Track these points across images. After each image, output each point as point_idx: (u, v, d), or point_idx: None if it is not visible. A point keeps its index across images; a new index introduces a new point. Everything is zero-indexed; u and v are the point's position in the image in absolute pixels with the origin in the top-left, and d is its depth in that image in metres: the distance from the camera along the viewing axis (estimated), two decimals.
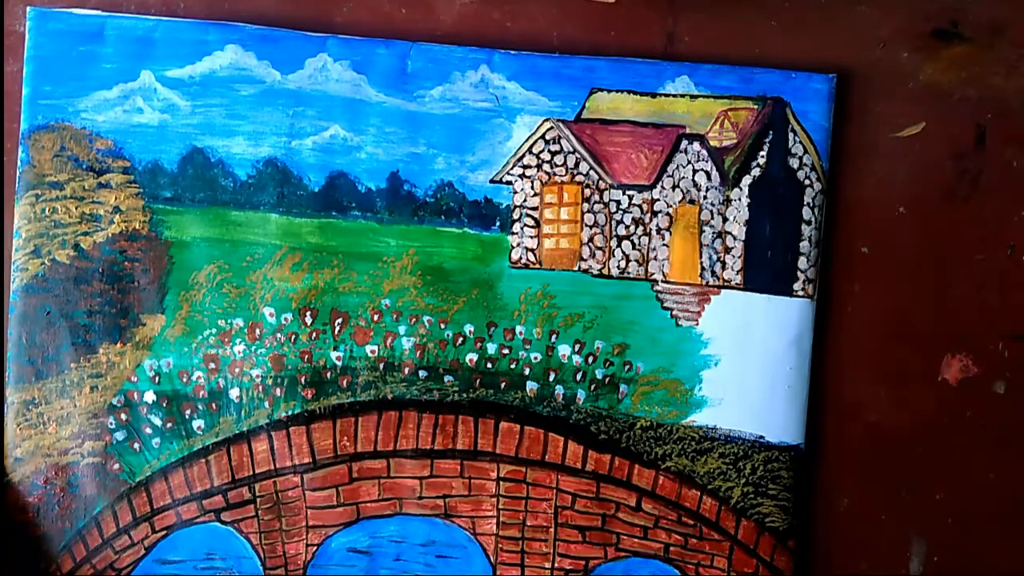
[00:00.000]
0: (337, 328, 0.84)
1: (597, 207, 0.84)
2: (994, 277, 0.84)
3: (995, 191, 0.84)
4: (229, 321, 0.83)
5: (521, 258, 0.84)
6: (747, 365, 0.84)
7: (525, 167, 0.84)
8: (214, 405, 0.83)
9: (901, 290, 0.84)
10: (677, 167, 0.84)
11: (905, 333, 0.85)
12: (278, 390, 0.84)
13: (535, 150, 0.84)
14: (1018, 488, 0.85)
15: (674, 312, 0.84)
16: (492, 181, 0.84)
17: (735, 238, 0.84)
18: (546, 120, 0.84)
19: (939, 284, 0.84)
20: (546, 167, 0.84)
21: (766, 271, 0.84)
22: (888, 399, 0.85)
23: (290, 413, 0.84)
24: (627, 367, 0.83)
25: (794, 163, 0.83)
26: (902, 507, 0.85)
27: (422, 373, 0.84)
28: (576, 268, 0.84)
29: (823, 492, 0.85)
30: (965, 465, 0.85)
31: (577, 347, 0.83)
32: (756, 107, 0.84)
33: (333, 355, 0.84)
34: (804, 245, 0.83)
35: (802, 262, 0.83)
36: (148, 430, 0.83)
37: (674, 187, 0.84)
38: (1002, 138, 0.84)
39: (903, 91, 0.84)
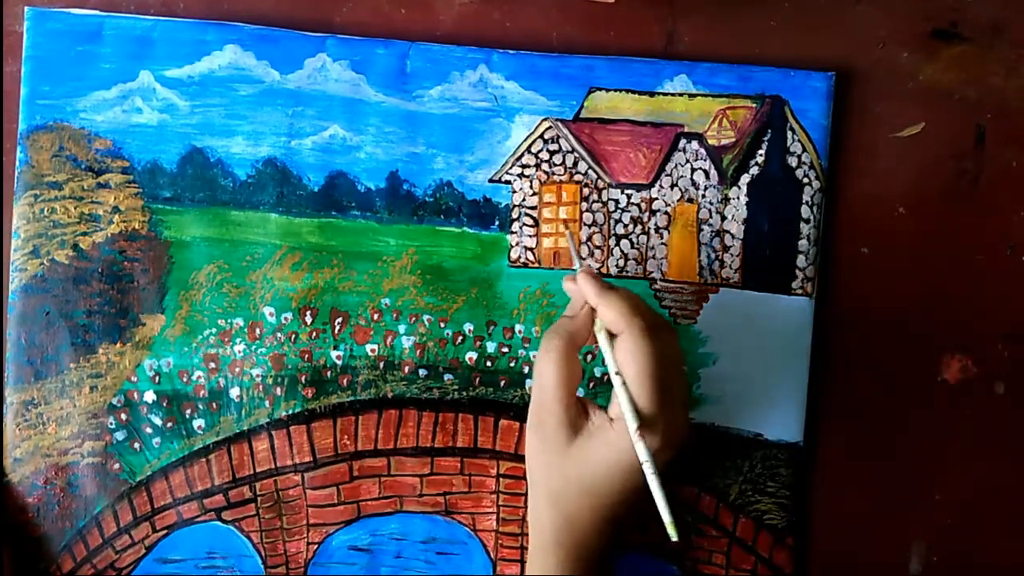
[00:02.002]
0: (337, 327, 0.84)
1: (596, 206, 0.84)
2: (994, 277, 0.84)
3: (995, 191, 0.84)
4: (229, 321, 0.83)
5: (520, 257, 0.84)
6: (745, 363, 0.84)
7: (524, 166, 0.84)
8: (214, 404, 0.83)
9: (901, 290, 0.84)
10: (675, 166, 0.84)
11: (905, 333, 0.85)
12: (278, 389, 0.84)
13: (534, 149, 0.84)
14: (1018, 488, 0.85)
15: (672, 310, 0.84)
16: (491, 180, 0.84)
17: (733, 237, 0.84)
18: (545, 119, 0.84)
19: (939, 284, 0.84)
20: (545, 166, 0.84)
21: (765, 269, 0.84)
22: (888, 399, 0.85)
23: (290, 412, 0.84)
24: None
25: (792, 161, 0.84)
26: (902, 507, 0.85)
27: (422, 372, 0.84)
28: (575, 267, 0.84)
29: (822, 491, 0.85)
30: (965, 465, 0.85)
31: None
32: (754, 106, 0.84)
33: (333, 354, 0.84)
34: (803, 243, 0.83)
35: (801, 260, 0.83)
36: (148, 430, 0.83)
37: (672, 186, 0.84)
38: (1002, 138, 0.84)
39: (903, 91, 0.84)
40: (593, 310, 0.73)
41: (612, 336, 0.71)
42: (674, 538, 0.66)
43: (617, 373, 0.69)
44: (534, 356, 0.83)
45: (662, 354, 0.69)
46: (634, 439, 0.67)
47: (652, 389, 0.68)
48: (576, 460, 0.71)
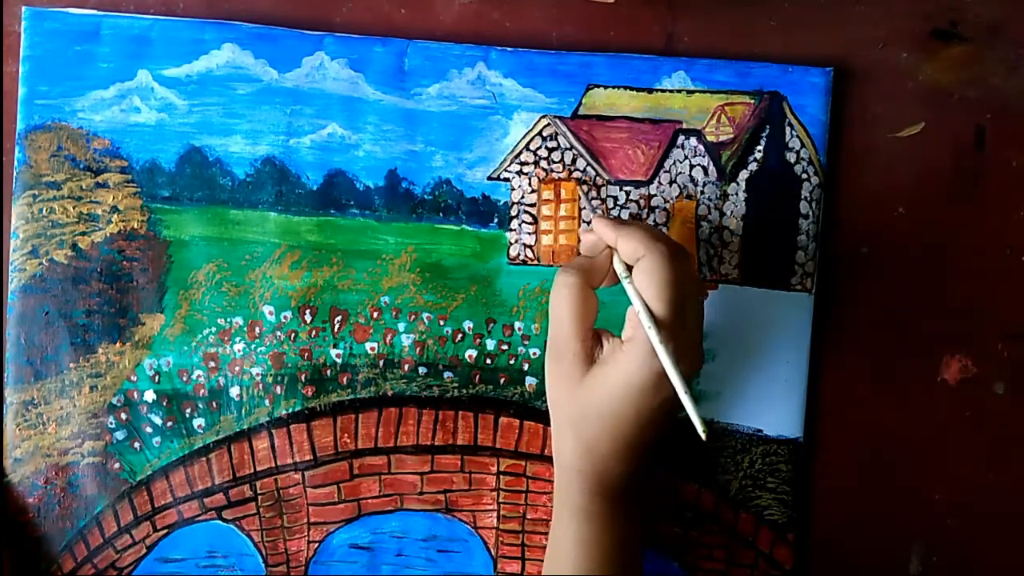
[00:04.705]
0: (336, 326, 0.84)
1: (595, 203, 0.84)
2: (994, 277, 0.84)
3: (995, 191, 0.84)
4: (229, 319, 0.83)
5: (519, 255, 0.84)
6: (744, 359, 0.84)
7: (523, 164, 0.84)
8: (214, 403, 0.83)
9: (901, 290, 0.84)
10: (674, 162, 0.84)
11: (905, 333, 0.85)
12: (278, 388, 0.84)
13: (532, 147, 0.84)
14: (1018, 489, 0.85)
15: None
16: (490, 178, 0.84)
17: (732, 233, 0.84)
18: (543, 117, 0.84)
19: (939, 284, 0.84)
20: (543, 164, 0.84)
21: (764, 265, 0.84)
22: (888, 399, 0.85)
23: (290, 411, 0.84)
24: None
25: (791, 157, 0.83)
26: (902, 507, 0.85)
27: (422, 370, 0.84)
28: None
29: (822, 489, 0.85)
30: (964, 465, 0.85)
31: None
32: (753, 102, 0.84)
33: (333, 353, 0.84)
34: (802, 239, 0.83)
35: (800, 256, 0.83)
36: (148, 429, 0.83)
37: (671, 182, 0.84)
38: (1002, 138, 0.84)
39: (903, 91, 0.84)
40: (612, 252, 0.74)
41: (631, 269, 0.72)
42: (703, 435, 0.67)
43: (629, 279, 0.71)
44: (533, 353, 0.84)
45: (680, 278, 0.70)
46: (650, 335, 0.68)
47: (670, 308, 0.69)
48: (592, 388, 0.71)
